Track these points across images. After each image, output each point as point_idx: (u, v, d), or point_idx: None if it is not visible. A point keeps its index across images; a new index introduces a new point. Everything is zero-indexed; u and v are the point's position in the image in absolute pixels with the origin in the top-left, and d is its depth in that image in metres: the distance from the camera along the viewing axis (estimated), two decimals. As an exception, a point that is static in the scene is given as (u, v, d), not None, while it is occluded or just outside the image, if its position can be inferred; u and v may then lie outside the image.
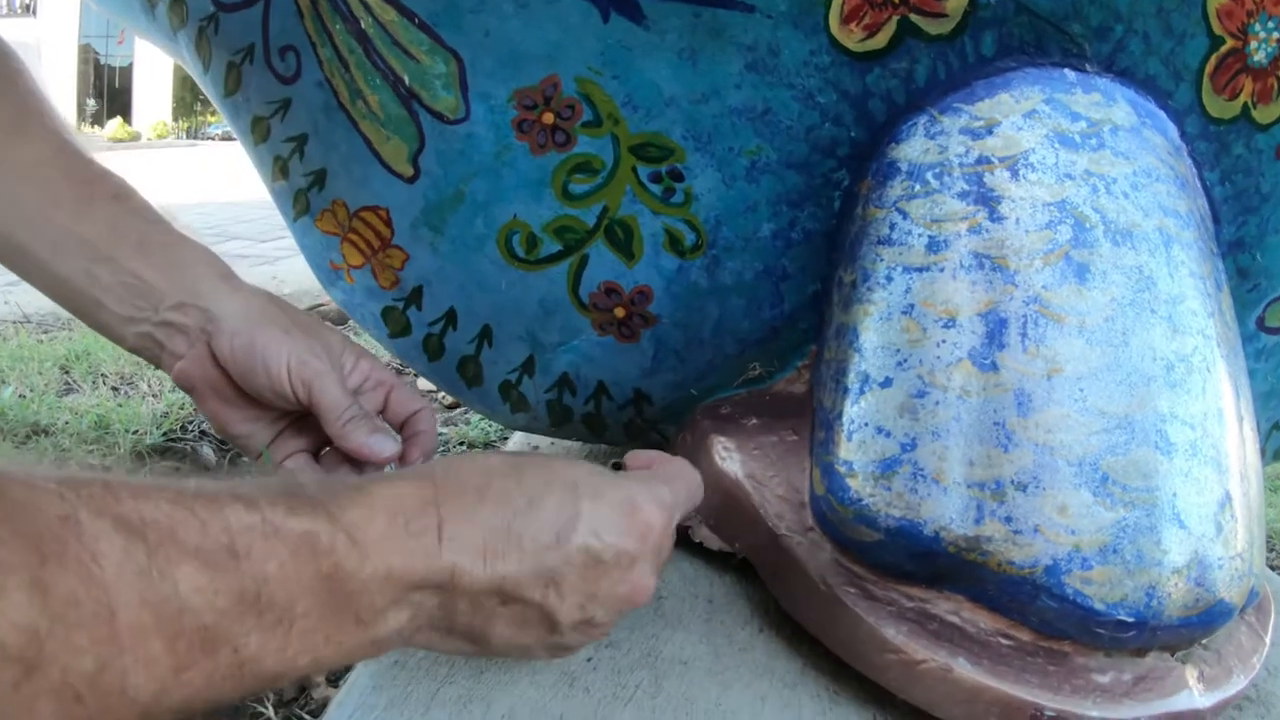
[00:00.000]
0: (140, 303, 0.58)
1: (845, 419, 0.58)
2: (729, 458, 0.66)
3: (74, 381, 1.24)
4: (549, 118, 0.63)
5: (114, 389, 1.20)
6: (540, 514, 0.44)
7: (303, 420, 0.63)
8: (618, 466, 0.58)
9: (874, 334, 0.59)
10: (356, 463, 0.61)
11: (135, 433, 0.99)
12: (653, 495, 0.49)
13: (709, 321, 0.69)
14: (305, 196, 0.73)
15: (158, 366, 0.64)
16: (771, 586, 0.61)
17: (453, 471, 0.44)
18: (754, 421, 0.68)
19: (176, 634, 0.30)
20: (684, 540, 0.68)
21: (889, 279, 0.59)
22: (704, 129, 0.63)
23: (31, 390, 1.14)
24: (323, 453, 0.64)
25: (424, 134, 0.65)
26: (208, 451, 1.01)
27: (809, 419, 0.67)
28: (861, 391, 0.58)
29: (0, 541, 0.27)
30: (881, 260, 0.59)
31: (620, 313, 0.68)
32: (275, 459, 0.63)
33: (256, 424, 0.62)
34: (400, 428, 0.64)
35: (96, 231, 0.59)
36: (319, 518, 0.37)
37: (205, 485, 0.35)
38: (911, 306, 0.58)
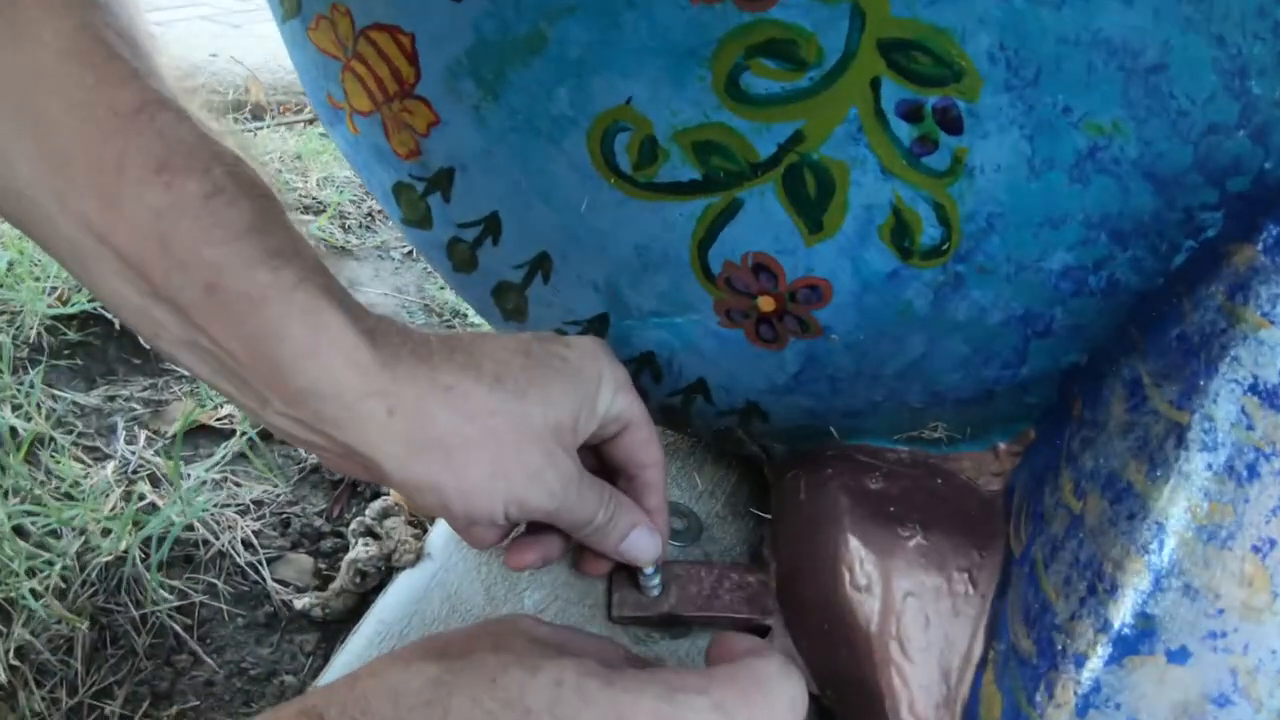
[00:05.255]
0: None
1: (1077, 670, 0.34)
2: (868, 590, 0.41)
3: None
4: (748, -52, 0.32)
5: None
6: None
7: None
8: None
9: (1187, 553, 0.33)
10: None
11: None
12: (660, 715, 0.30)
13: (902, 359, 0.41)
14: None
15: None
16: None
17: (353, 706, 0.30)
18: (918, 538, 0.42)
19: None
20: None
21: (1253, 471, 0.32)
22: (1031, 52, 0.32)
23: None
24: None
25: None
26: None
27: (997, 561, 0.42)
28: (1122, 640, 0.33)
29: None
30: (1249, 424, 0.31)
31: (768, 305, 0.40)
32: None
33: None
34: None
35: None
36: None
37: None
38: (1273, 541, 0.31)
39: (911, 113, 0.34)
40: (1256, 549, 0.31)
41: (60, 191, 0.32)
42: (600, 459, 0.44)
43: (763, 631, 0.47)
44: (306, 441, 0.36)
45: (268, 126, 1.20)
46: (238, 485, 0.61)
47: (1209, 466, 0.34)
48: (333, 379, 0.33)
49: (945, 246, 0.37)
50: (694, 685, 0.31)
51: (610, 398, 0.40)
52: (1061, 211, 0.36)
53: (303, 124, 1.23)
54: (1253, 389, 0.32)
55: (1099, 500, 0.37)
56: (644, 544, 0.43)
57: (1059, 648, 0.35)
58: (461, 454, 0.35)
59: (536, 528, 0.44)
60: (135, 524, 0.56)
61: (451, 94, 0.39)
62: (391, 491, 0.62)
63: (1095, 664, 0.34)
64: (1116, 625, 0.34)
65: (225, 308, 0.33)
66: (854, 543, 0.42)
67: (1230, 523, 0.32)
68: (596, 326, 0.45)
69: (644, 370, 0.46)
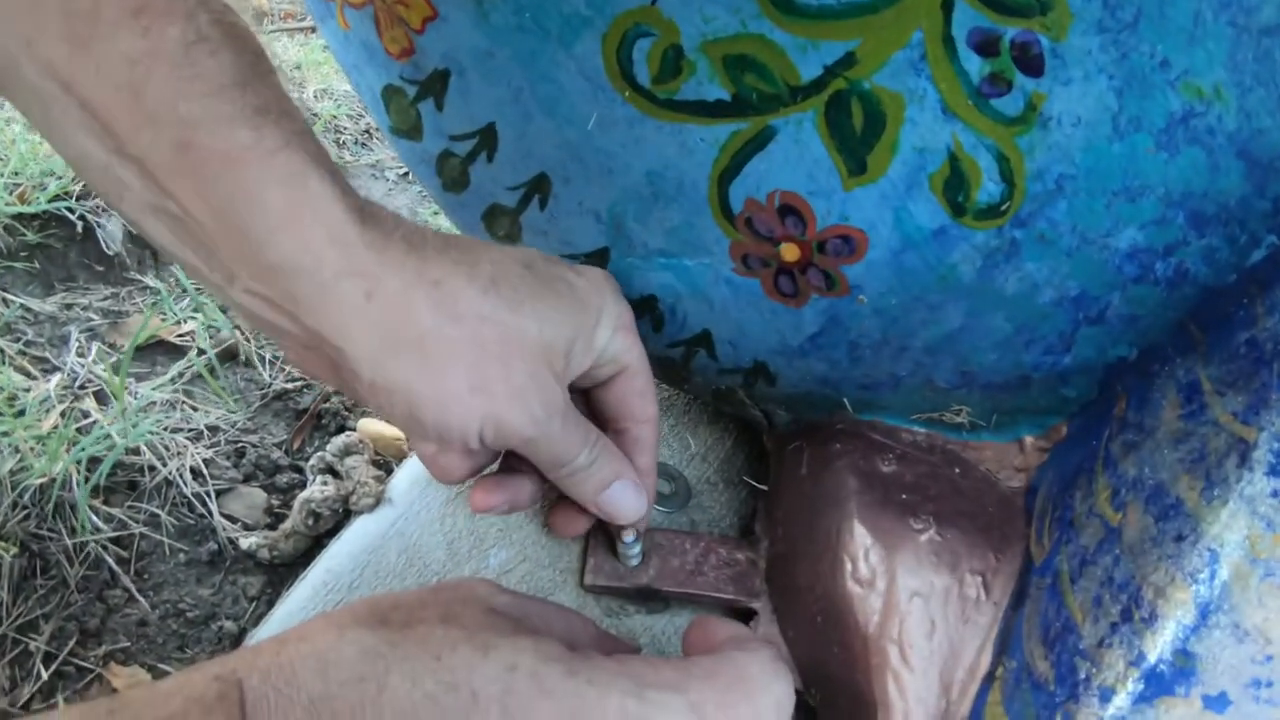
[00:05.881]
0: None
1: (1102, 704, 0.30)
2: (871, 586, 0.37)
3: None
4: None
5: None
6: None
7: None
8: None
9: (1241, 588, 0.29)
10: None
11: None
12: (628, 713, 0.27)
13: (935, 331, 0.37)
14: None
15: None
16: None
17: (278, 674, 0.26)
18: (930, 532, 0.38)
19: None
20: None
21: None
22: None
23: None
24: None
25: None
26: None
27: (1015, 566, 0.38)
28: (1157, 678, 0.29)
29: None
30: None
31: (791, 254, 0.36)
32: None
33: None
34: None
35: None
36: None
37: None
38: None
39: (986, 45, 0.29)
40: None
41: (28, 35, 0.28)
42: (590, 406, 0.40)
43: (747, 615, 0.43)
44: (272, 325, 0.32)
45: (267, 32, 1.14)
46: (192, 409, 0.56)
47: (1275, 493, 0.29)
48: (312, 253, 0.30)
49: (1004, 206, 0.32)
50: (668, 681, 0.27)
51: (609, 335, 0.36)
52: (1141, 182, 0.31)
53: (305, 33, 1.16)
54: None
55: (1142, 514, 0.33)
56: (626, 499, 0.38)
57: (1082, 676, 0.31)
58: (441, 358, 0.31)
59: (508, 468, 0.40)
60: (74, 444, 0.52)
61: (451, -18, 0.34)
62: (358, 426, 0.58)
63: (1123, 701, 0.30)
64: (1152, 660, 0.30)
65: (198, 168, 0.29)
66: (860, 530, 0.38)
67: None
68: (595, 262, 0.40)
69: (644, 316, 0.41)
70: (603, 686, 0.27)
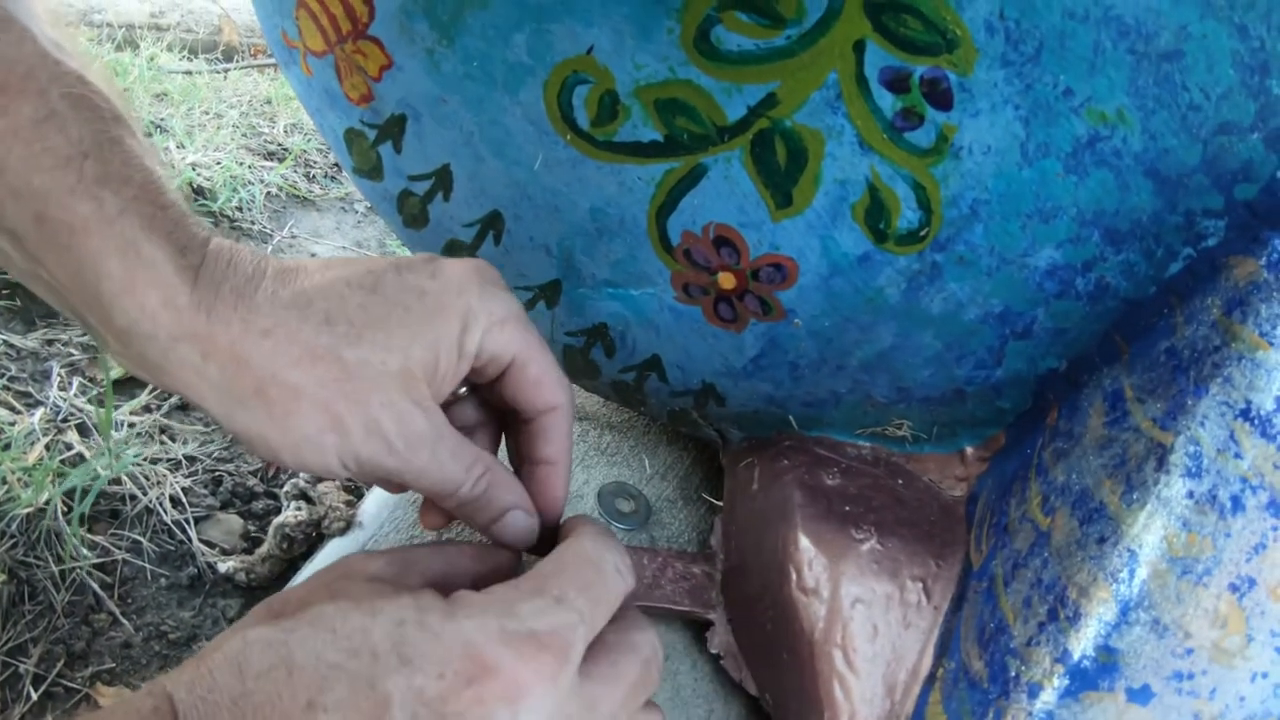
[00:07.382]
0: None
1: (1030, 700, 0.32)
2: (816, 594, 0.38)
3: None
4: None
5: None
6: None
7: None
8: None
9: (1159, 586, 0.30)
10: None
11: None
12: (509, 632, 0.29)
13: (869, 350, 0.38)
14: None
15: None
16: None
17: (201, 684, 0.28)
18: (872, 542, 0.39)
19: None
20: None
21: (1238, 504, 0.29)
22: (1034, 24, 0.29)
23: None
24: None
25: None
26: None
27: (955, 571, 0.39)
28: (1081, 673, 0.31)
29: None
30: (1238, 452, 0.29)
31: (728, 282, 0.37)
32: None
33: None
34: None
35: None
36: None
37: None
38: (1251, 580, 0.29)
39: (897, 82, 0.31)
40: (1234, 588, 0.29)
41: None
42: (493, 402, 0.38)
43: (704, 626, 0.45)
44: (156, 383, 0.33)
45: (237, 68, 1.15)
46: (170, 439, 0.58)
47: (1190, 494, 0.31)
48: (150, 319, 0.30)
49: (924, 232, 0.34)
50: (529, 590, 0.30)
51: (480, 336, 0.34)
52: (1053, 204, 0.33)
53: (274, 67, 1.18)
54: (1244, 414, 0.29)
55: (1068, 518, 0.35)
56: (518, 529, 0.37)
57: (1013, 674, 0.33)
58: (284, 404, 0.32)
59: None
60: (59, 475, 0.53)
61: (405, 35, 0.35)
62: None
63: (1049, 696, 0.31)
64: (1076, 656, 0.31)
65: (53, 239, 0.30)
66: (804, 542, 0.39)
67: (1208, 557, 0.29)
68: (549, 293, 0.42)
69: (596, 343, 0.43)
70: (479, 619, 0.29)
